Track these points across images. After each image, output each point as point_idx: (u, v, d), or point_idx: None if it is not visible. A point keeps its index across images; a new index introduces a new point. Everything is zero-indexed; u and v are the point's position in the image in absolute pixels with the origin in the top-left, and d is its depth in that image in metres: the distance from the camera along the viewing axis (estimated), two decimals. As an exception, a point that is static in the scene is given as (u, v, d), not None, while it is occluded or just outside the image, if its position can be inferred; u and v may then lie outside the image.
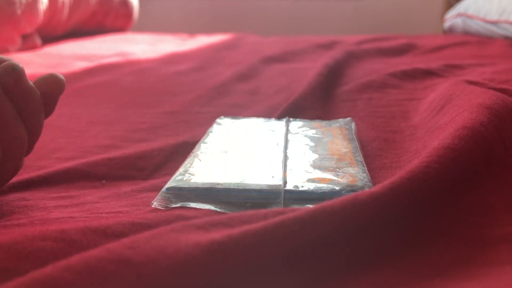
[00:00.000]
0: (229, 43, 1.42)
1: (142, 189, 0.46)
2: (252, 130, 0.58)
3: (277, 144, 0.52)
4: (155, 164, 0.53)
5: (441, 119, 0.56)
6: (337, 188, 0.41)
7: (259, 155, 0.49)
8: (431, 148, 0.42)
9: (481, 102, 0.52)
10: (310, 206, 0.33)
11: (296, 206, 0.40)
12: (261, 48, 1.29)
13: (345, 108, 0.73)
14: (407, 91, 0.80)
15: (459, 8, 1.53)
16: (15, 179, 0.46)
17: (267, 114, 0.69)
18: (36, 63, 1.10)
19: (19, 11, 1.15)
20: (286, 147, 0.51)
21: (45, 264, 0.26)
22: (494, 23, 1.30)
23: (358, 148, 0.51)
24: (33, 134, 0.42)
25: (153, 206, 0.41)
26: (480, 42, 1.25)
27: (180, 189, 0.42)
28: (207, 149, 0.50)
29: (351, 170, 0.45)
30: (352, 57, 1.05)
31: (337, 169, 0.45)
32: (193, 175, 0.44)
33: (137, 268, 0.26)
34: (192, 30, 1.81)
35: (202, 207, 0.40)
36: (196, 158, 0.48)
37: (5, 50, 1.18)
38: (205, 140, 0.53)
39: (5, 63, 0.39)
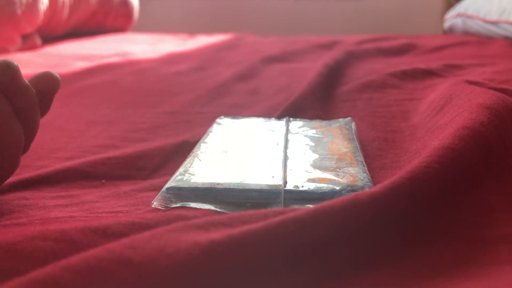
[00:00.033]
0: (229, 43, 1.42)
1: (142, 188, 0.46)
2: (252, 130, 0.58)
3: (277, 144, 0.52)
4: (155, 164, 0.53)
5: (441, 119, 0.56)
6: (337, 188, 0.41)
7: (259, 155, 0.49)
8: (431, 148, 0.42)
9: (481, 102, 0.52)
10: (310, 206, 0.33)
11: (296, 206, 0.40)
12: (261, 48, 1.29)
13: (345, 108, 0.73)
14: (407, 91, 0.80)
15: (459, 8, 1.53)
16: (14, 178, 0.46)
17: (267, 114, 0.69)
18: (36, 63, 1.10)
19: (19, 11, 1.15)
20: (286, 147, 0.51)
21: (45, 264, 0.26)
22: (494, 23, 1.30)
23: (358, 148, 0.51)
24: (30, 132, 0.41)
25: (153, 206, 0.41)
26: (480, 42, 1.25)
27: (180, 189, 0.42)
28: (207, 149, 0.50)
29: (351, 170, 0.45)
30: (352, 57, 1.05)
31: (337, 169, 0.45)
32: (193, 175, 0.44)
33: (137, 268, 0.26)
34: (192, 30, 1.81)
35: (202, 207, 0.40)
36: (196, 158, 0.48)
37: (5, 50, 1.18)
38: (205, 140, 0.53)
39: None
